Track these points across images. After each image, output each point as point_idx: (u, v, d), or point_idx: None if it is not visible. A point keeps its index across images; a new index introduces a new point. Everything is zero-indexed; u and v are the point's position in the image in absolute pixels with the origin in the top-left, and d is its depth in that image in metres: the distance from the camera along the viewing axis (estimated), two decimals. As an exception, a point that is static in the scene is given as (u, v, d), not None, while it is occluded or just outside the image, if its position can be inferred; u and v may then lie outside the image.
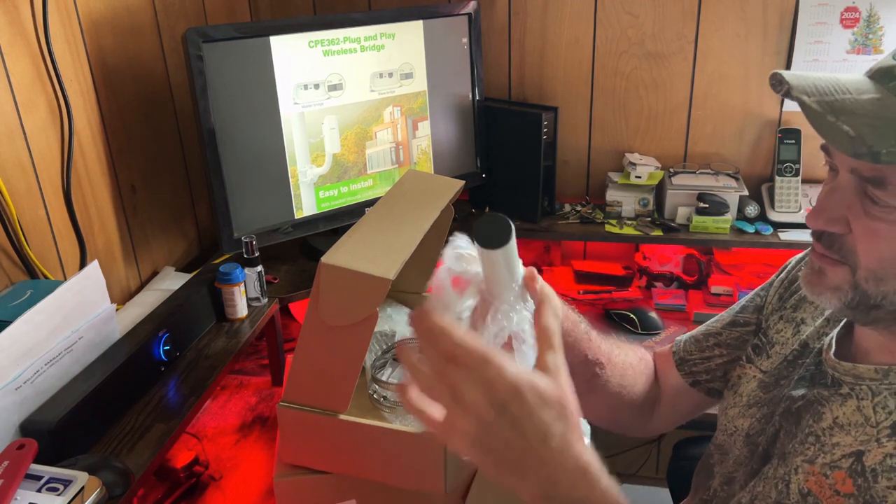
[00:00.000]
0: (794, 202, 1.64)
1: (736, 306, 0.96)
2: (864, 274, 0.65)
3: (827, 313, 0.82)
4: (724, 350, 0.94)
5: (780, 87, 0.65)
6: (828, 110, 0.61)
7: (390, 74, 1.51)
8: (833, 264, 0.68)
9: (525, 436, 0.58)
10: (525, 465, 0.59)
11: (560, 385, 0.61)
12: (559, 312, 0.73)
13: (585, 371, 0.88)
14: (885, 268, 0.64)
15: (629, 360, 0.96)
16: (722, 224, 1.62)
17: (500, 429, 0.58)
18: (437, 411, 0.60)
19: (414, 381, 0.61)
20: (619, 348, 0.95)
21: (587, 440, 0.64)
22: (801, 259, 0.90)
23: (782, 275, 0.92)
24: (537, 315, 0.67)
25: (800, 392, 0.77)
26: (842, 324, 0.78)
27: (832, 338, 0.77)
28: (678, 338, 1.01)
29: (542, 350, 0.64)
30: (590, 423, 1.01)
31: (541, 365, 0.63)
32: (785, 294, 0.89)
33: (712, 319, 0.99)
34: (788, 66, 1.67)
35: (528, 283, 0.71)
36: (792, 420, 0.76)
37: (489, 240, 0.66)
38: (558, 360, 0.63)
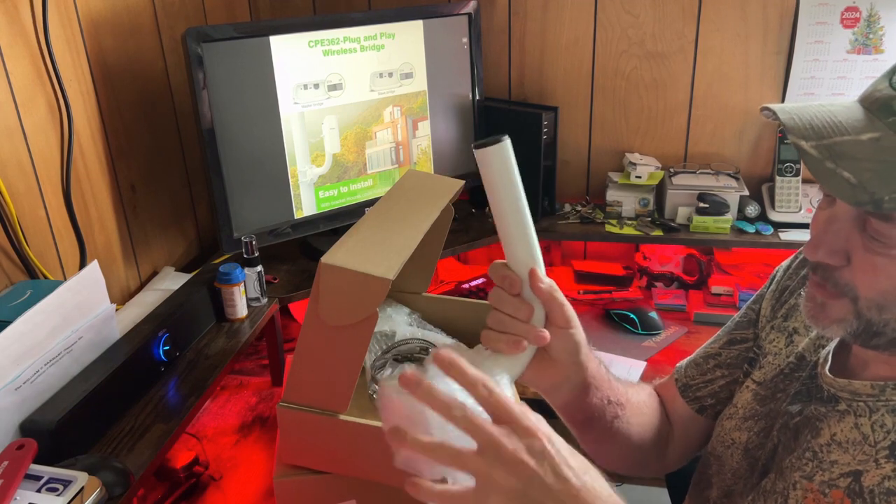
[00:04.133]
0: (795, 202, 1.64)
1: (730, 324, 0.94)
2: (865, 303, 0.64)
3: None
4: (724, 371, 0.92)
5: (773, 117, 0.64)
6: (827, 156, 0.59)
7: (390, 74, 1.51)
8: (833, 297, 0.66)
9: (567, 479, 0.58)
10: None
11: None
12: (583, 344, 0.76)
13: (607, 414, 0.86)
14: (886, 298, 0.63)
15: (642, 398, 0.94)
16: (722, 224, 1.62)
17: (543, 477, 0.57)
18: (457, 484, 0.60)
19: (435, 457, 0.59)
20: (633, 387, 0.93)
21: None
22: (788, 267, 0.89)
23: (772, 286, 0.90)
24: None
25: (797, 407, 0.76)
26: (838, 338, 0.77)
27: (828, 352, 0.76)
28: (678, 364, 0.99)
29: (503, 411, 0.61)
30: (608, 470, 0.98)
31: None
32: (776, 304, 0.88)
33: (709, 340, 0.96)
34: (789, 66, 1.67)
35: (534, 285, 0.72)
36: (790, 435, 0.75)
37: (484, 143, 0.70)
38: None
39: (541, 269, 0.73)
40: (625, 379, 0.92)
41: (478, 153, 0.71)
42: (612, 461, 0.95)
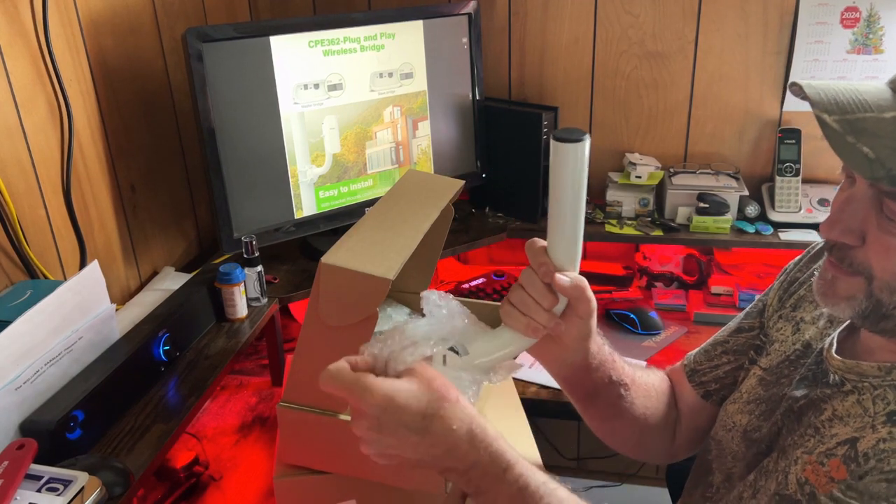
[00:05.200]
0: (795, 202, 1.64)
1: (741, 314, 0.97)
2: (878, 285, 0.65)
3: (827, 312, 0.82)
4: (730, 357, 0.94)
5: (801, 93, 0.65)
6: (848, 130, 0.60)
7: (390, 74, 1.51)
8: (847, 274, 0.67)
9: (408, 434, 0.66)
10: (425, 454, 0.67)
11: (420, 376, 0.68)
12: (593, 330, 0.80)
13: (611, 393, 0.89)
14: None
15: (651, 382, 0.96)
16: (722, 224, 1.62)
17: (389, 440, 0.67)
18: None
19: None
20: (642, 370, 0.96)
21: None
22: (799, 261, 0.91)
23: (781, 277, 0.92)
24: None
25: (802, 392, 0.77)
26: (845, 324, 0.78)
27: (834, 337, 0.77)
28: (689, 352, 1.01)
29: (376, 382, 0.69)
30: (616, 451, 1.00)
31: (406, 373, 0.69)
32: (784, 295, 0.90)
33: (720, 329, 0.99)
34: (788, 66, 1.67)
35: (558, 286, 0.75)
36: (794, 418, 0.76)
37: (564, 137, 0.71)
38: (410, 368, 0.69)
39: (575, 268, 0.76)
40: (635, 363, 0.95)
41: (554, 145, 0.71)
42: (619, 441, 0.97)
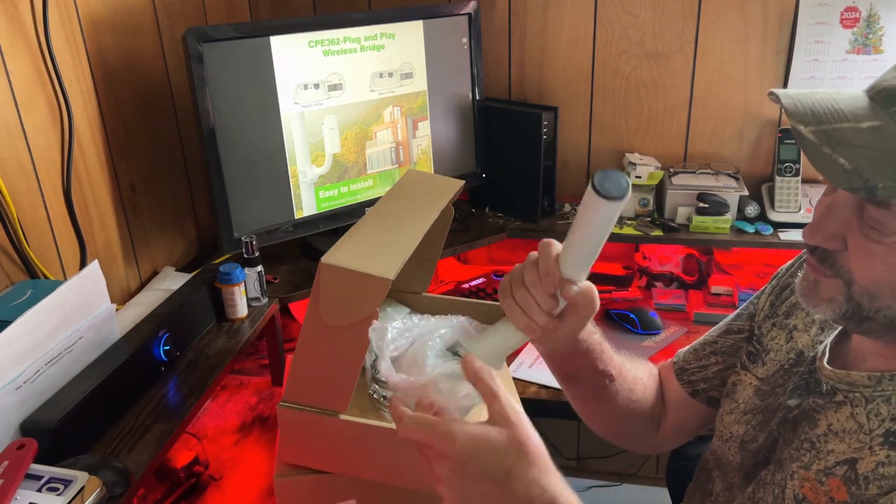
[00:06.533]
0: (794, 202, 1.64)
1: (732, 315, 0.97)
2: (858, 289, 0.65)
3: (818, 319, 0.82)
4: (719, 358, 0.95)
5: (778, 102, 0.65)
6: (824, 141, 0.60)
7: (390, 74, 1.51)
8: (827, 277, 0.67)
9: (490, 486, 0.65)
10: None
11: (512, 429, 0.67)
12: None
13: (595, 382, 0.90)
14: (879, 287, 0.64)
15: (639, 375, 0.97)
16: (722, 224, 1.62)
17: (469, 487, 0.66)
18: None
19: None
20: (631, 362, 0.97)
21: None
22: (791, 266, 0.91)
23: (773, 282, 0.92)
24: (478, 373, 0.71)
25: (795, 401, 0.77)
26: (836, 332, 0.78)
27: (826, 346, 0.77)
28: (680, 350, 1.02)
29: (487, 403, 0.68)
30: (598, 435, 1.01)
31: (490, 417, 0.68)
32: (776, 301, 0.89)
33: (711, 330, 0.99)
34: (788, 66, 1.67)
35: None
36: (789, 428, 0.76)
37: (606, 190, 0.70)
38: (504, 408, 0.68)
39: (584, 278, 0.78)
40: (626, 354, 0.96)
41: (595, 198, 0.71)
42: (598, 425, 0.99)
